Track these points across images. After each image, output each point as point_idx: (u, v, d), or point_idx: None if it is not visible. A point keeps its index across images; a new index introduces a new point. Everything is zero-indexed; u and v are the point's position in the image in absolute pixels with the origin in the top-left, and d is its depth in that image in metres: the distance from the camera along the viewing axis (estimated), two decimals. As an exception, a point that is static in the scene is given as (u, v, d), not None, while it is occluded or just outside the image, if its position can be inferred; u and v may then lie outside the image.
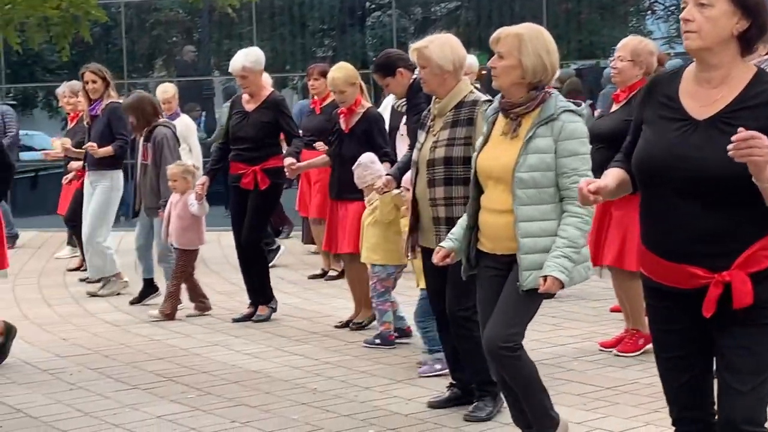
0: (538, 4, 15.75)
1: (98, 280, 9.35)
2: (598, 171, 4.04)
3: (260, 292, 8.09)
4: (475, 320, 5.06)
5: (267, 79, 8.57)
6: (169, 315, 8.13)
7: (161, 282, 8.73)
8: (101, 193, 9.12)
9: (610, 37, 15.51)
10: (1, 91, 17.35)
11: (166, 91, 10.77)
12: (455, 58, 5.25)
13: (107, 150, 8.99)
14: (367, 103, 7.46)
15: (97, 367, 6.75)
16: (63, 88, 10.76)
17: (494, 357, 4.46)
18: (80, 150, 9.56)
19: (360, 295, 7.57)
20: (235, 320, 8.01)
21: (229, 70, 7.94)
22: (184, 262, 8.22)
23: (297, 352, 6.99)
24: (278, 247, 10.59)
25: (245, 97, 8.00)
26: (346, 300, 8.14)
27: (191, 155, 10.34)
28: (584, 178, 4.08)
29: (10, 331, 6.81)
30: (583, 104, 4.57)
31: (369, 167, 6.94)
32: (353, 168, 6.98)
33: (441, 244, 4.71)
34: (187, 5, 17.97)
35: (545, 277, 4.27)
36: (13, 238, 12.10)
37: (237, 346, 7.23)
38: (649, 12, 16.74)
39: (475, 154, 4.57)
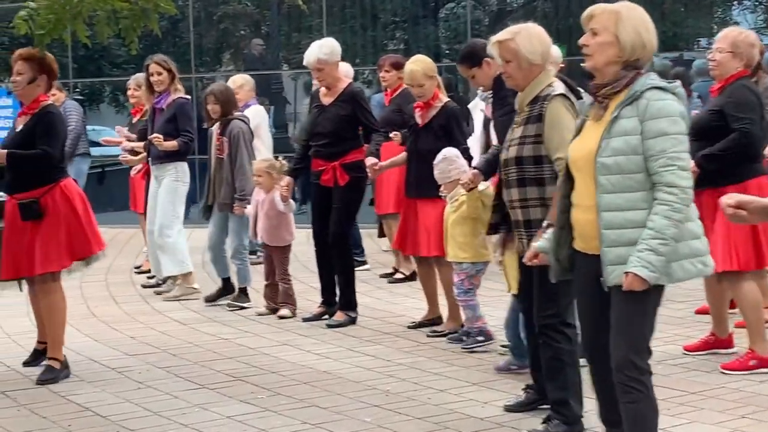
0: (617, -6, 15.57)
1: (165, 281, 9.34)
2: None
3: (341, 295, 7.97)
4: (559, 330, 4.98)
5: (348, 71, 8.53)
6: (293, 313, 8.21)
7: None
8: (167, 185, 9.04)
9: (695, 28, 15.31)
10: (68, 86, 17.64)
11: (235, 81, 10.86)
12: (544, 50, 5.04)
13: (172, 144, 8.91)
14: (444, 97, 7.41)
15: (165, 365, 6.81)
16: (131, 81, 10.86)
17: (621, 387, 4.11)
18: (138, 144, 9.62)
19: (432, 294, 7.54)
20: (306, 320, 8.03)
21: (304, 62, 7.94)
22: (282, 259, 8.29)
23: (368, 352, 6.99)
24: (364, 262, 10.30)
25: (323, 90, 7.98)
26: (417, 300, 8.12)
27: (263, 146, 10.37)
28: (678, 161, 3.99)
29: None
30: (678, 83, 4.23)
31: (454, 161, 6.85)
32: (436, 162, 6.89)
33: (533, 244, 4.60)
34: (255, -2, 18.20)
35: (627, 274, 3.99)
36: None
37: (307, 346, 7.25)
38: (736, 2, 16.49)
39: (568, 146, 4.35)
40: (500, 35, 5.12)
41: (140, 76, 10.66)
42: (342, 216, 7.84)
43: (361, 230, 10.26)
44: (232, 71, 19.31)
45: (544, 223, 4.80)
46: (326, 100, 7.93)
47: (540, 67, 5.04)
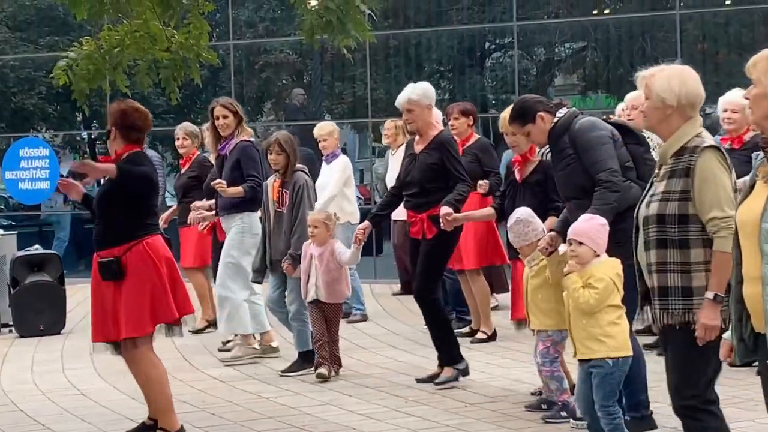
0: (672, 44, 15.59)
1: (229, 341, 9.09)
2: None
3: (440, 352, 7.82)
4: (702, 409, 4.55)
5: (438, 117, 8.60)
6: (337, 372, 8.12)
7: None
8: (233, 237, 8.74)
9: (750, 79, 15.26)
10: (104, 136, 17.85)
11: (323, 128, 10.83)
12: (682, 92, 4.70)
13: (237, 190, 8.61)
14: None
15: (204, 425, 6.81)
16: (178, 131, 10.74)
17: None
18: (207, 203, 9.18)
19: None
20: (419, 381, 7.80)
21: (396, 104, 7.93)
22: (338, 318, 8.16)
23: (414, 413, 6.96)
24: (469, 322, 9.89)
25: (417, 138, 7.95)
26: (486, 363, 8.05)
27: (350, 201, 10.32)
28: None
29: None
30: None
31: (530, 222, 6.56)
32: (510, 224, 6.65)
33: (725, 336, 4.11)
34: (298, 47, 18.33)
35: None
36: None
37: (350, 405, 7.23)
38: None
39: (737, 207, 3.96)
40: (645, 71, 4.88)
41: (187, 125, 10.73)
42: (425, 270, 7.71)
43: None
44: (273, 121, 19.48)
45: (709, 294, 4.47)
46: (417, 148, 7.89)
47: (676, 110, 4.70)
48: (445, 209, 7.35)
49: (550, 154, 6.68)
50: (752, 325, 3.81)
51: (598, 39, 17.54)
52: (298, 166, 8.46)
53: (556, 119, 6.41)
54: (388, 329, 10.29)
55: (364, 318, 10.74)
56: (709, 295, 4.45)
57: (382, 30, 17.60)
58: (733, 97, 7.85)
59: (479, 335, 9.40)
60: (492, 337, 9.33)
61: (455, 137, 9.28)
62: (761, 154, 3.91)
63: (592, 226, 5.72)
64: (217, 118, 8.83)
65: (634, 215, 4.80)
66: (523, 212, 6.64)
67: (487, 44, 19.04)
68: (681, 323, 4.55)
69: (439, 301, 7.88)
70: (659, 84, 4.71)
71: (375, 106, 16.87)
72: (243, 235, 8.78)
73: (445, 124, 9.21)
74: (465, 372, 7.75)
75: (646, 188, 4.82)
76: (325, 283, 8.01)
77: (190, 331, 10.19)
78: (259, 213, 8.85)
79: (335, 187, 10.40)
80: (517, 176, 7.22)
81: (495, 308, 10.17)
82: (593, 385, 5.64)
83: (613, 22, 17.38)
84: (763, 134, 3.87)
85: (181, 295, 6.40)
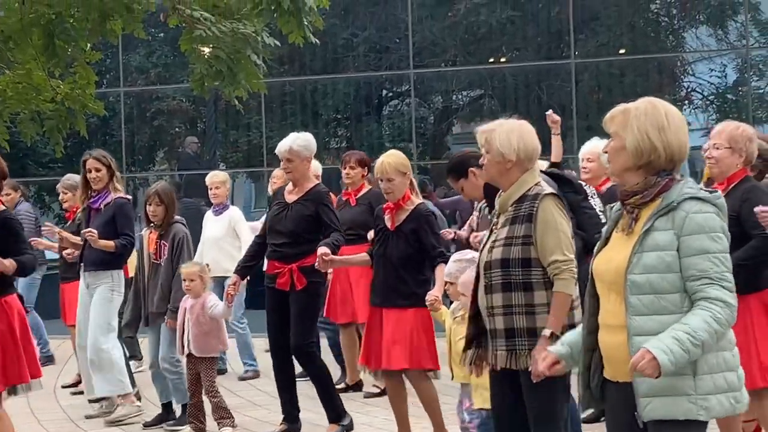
0: (567, 93, 15.87)
1: (99, 400, 8.95)
2: None
3: (326, 409, 7.78)
4: None
5: (317, 169, 8.46)
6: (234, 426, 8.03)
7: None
8: (102, 295, 8.63)
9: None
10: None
11: (217, 176, 10.73)
12: (521, 147, 5.00)
13: (108, 244, 8.52)
14: (417, 199, 7.24)
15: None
16: (59, 185, 10.58)
17: None
18: (77, 239, 9.05)
19: (405, 415, 7.20)
20: None
21: (276, 151, 7.91)
22: (210, 371, 8.07)
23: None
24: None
25: (288, 187, 7.95)
26: (382, 419, 7.97)
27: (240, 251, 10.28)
28: (723, 282, 3.74)
29: None
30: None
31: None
32: (452, 262, 6.40)
33: (549, 348, 4.24)
34: (191, 94, 18.22)
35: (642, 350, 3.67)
36: (48, 358, 11.67)
37: (241, 468, 7.12)
38: (686, 101, 16.85)
39: (593, 258, 4.08)
40: (485, 126, 5.15)
41: (67, 178, 10.51)
42: (301, 325, 7.68)
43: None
44: (166, 170, 19.28)
45: (546, 332, 4.69)
46: (290, 198, 7.86)
47: (515, 164, 4.98)
48: (323, 249, 7.28)
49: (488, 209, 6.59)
50: (599, 376, 3.97)
51: (495, 87, 17.78)
52: (177, 218, 8.46)
53: None
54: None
55: (257, 374, 10.61)
56: (546, 332, 4.72)
57: (277, 76, 17.62)
58: (591, 146, 7.90)
59: (372, 389, 9.38)
60: (384, 392, 9.28)
61: (349, 187, 9.34)
62: (617, 205, 4.06)
63: (467, 276, 5.71)
64: (89, 171, 8.71)
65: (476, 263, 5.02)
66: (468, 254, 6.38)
67: (384, 92, 19.16)
68: (527, 366, 4.75)
69: (318, 355, 7.90)
70: (499, 139, 4.99)
71: (271, 155, 16.80)
72: (113, 293, 8.70)
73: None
74: (349, 427, 7.74)
75: (487, 235, 5.08)
76: (195, 336, 8.00)
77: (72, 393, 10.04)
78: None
79: (249, 235, 10.37)
80: (389, 223, 7.17)
81: None
82: None
83: (509, 70, 17.63)
84: (622, 187, 4.00)
85: (30, 358, 6.39)
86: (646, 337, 3.73)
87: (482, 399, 5.70)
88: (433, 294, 6.57)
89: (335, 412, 7.76)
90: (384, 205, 7.26)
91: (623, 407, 3.88)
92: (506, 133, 5.01)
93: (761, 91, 16.27)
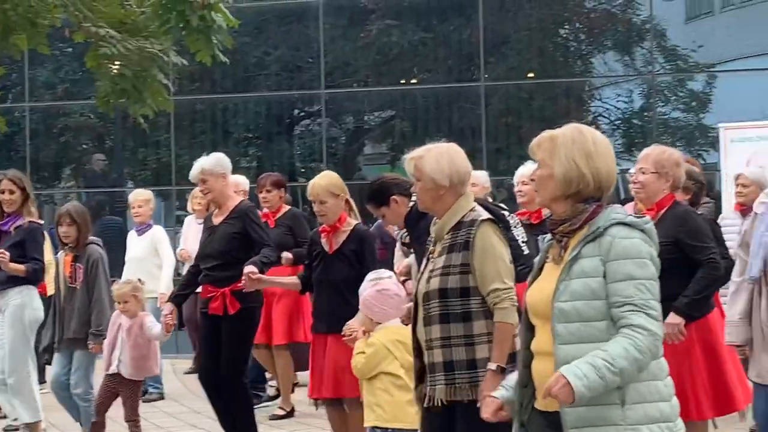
0: (477, 116, 15.97)
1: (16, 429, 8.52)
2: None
3: None
4: None
5: (242, 183, 8.29)
6: None
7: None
8: (13, 313, 8.20)
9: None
10: None
11: (140, 195, 10.58)
12: (453, 171, 4.85)
13: (19, 268, 8.18)
14: (353, 220, 7.07)
15: None
16: None
17: None
18: None
19: None
20: None
21: (189, 177, 7.80)
22: (135, 395, 7.88)
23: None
24: (267, 397, 9.97)
25: (216, 210, 7.81)
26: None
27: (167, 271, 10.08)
28: (647, 310, 3.65)
29: None
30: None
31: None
32: (370, 290, 6.17)
33: (493, 393, 4.06)
34: (99, 110, 17.98)
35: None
36: None
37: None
38: (594, 126, 17.02)
39: (526, 289, 3.98)
40: (414, 152, 4.96)
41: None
42: (234, 354, 7.50)
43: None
44: (73, 188, 18.99)
45: (491, 366, 4.55)
46: (217, 220, 7.74)
47: (448, 189, 4.82)
48: (249, 268, 7.02)
49: (408, 238, 6.47)
50: (531, 408, 3.85)
51: (407, 108, 17.84)
52: (92, 238, 8.22)
53: (412, 203, 6.14)
54: (189, 407, 10.05)
55: (161, 396, 10.47)
56: (492, 366, 4.57)
57: (187, 94, 17.48)
58: (525, 169, 7.92)
59: (278, 411, 9.31)
60: (290, 414, 9.23)
61: (266, 209, 9.27)
62: (548, 236, 3.99)
63: (367, 295, 5.70)
64: (2, 192, 8.40)
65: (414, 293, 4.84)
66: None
67: (296, 111, 19.12)
68: (468, 398, 4.61)
69: (246, 385, 7.75)
70: (429, 165, 4.81)
71: (180, 173, 16.64)
72: (24, 309, 8.28)
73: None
74: None
75: (423, 265, 4.89)
76: (131, 359, 7.77)
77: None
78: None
79: (170, 255, 10.22)
80: (326, 247, 6.98)
81: (296, 384, 10.05)
82: None
83: (420, 92, 17.71)
84: (552, 216, 3.94)
85: None
86: None
87: (375, 416, 5.65)
88: (353, 325, 6.21)
89: None
90: (320, 228, 7.08)
91: None
92: (436, 159, 4.84)
93: (666, 116, 16.56)
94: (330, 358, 6.79)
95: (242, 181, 9.75)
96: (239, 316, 7.52)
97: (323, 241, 7.01)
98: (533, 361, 3.87)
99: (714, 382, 5.88)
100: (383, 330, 5.66)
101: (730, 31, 16.85)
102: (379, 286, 5.76)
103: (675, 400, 3.82)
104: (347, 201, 7.05)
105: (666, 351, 5.64)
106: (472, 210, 4.85)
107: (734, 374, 6.00)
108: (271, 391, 10.13)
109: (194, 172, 7.76)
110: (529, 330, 3.91)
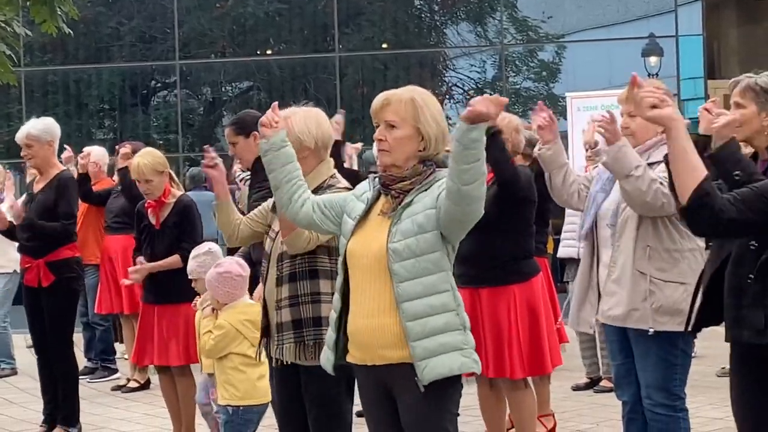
0: (333, 86, 16.07)
1: None
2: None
3: (61, 408, 7.45)
4: None
5: (102, 156, 8.04)
6: None
7: None
8: None
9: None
10: None
11: None
12: (318, 134, 4.78)
13: None
14: (178, 192, 7.00)
15: None
16: None
17: None
18: None
19: (179, 414, 6.98)
20: None
21: (16, 138, 7.53)
22: None
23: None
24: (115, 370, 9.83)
25: (38, 177, 7.55)
26: (157, 417, 7.81)
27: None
28: None
29: None
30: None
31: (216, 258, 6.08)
32: (191, 260, 6.24)
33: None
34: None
35: None
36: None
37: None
38: (447, 96, 17.34)
39: (344, 240, 4.03)
40: (282, 112, 4.76)
41: None
42: (56, 329, 7.35)
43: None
44: None
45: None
46: (37, 187, 7.48)
47: (312, 152, 4.75)
48: (139, 259, 6.92)
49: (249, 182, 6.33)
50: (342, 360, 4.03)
51: (263, 79, 17.84)
52: None
53: None
54: (42, 381, 9.92)
55: (14, 372, 10.32)
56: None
57: (39, 65, 17.16)
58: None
59: (131, 384, 9.24)
60: (145, 386, 9.18)
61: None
62: (363, 192, 4.07)
63: (210, 277, 5.69)
64: None
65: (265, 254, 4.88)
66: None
67: (152, 82, 18.94)
68: (313, 362, 4.59)
69: (72, 354, 7.57)
70: (298, 126, 4.73)
71: (33, 145, 16.33)
72: None
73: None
74: None
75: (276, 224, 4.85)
76: None
77: None
78: None
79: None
80: (153, 221, 6.90)
81: None
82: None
83: (276, 63, 17.71)
84: (394, 174, 3.97)
85: None
86: (414, 302, 3.81)
87: (228, 394, 5.69)
88: (204, 301, 6.07)
89: (72, 416, 7.48)
90: (146, 203, 6.99)
91: (377, 388, 3.97)
92: (304, 119, 4.75)
93: (518, 86, 16.91)
94: (159, 327, 6.82)
95: (103, 156, 9.54)
96: (56, 288, 7.33)
97: (150, 215, 6.96)
98: (350, 316, 3.96)
99: (530, 344, 6.02)
100: (231, 310, 5.66)
101: (578, 2, 17.24)
102: (221, 268, 5.70)
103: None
104: (170, 173, 7.01)
105: (489, 312, 5.91)
106: (331, 176, 4.81)
107: (548, 339, 6.17)
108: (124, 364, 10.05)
109: (20, 135, 7.43)
110: (346, 282, 3.98)
